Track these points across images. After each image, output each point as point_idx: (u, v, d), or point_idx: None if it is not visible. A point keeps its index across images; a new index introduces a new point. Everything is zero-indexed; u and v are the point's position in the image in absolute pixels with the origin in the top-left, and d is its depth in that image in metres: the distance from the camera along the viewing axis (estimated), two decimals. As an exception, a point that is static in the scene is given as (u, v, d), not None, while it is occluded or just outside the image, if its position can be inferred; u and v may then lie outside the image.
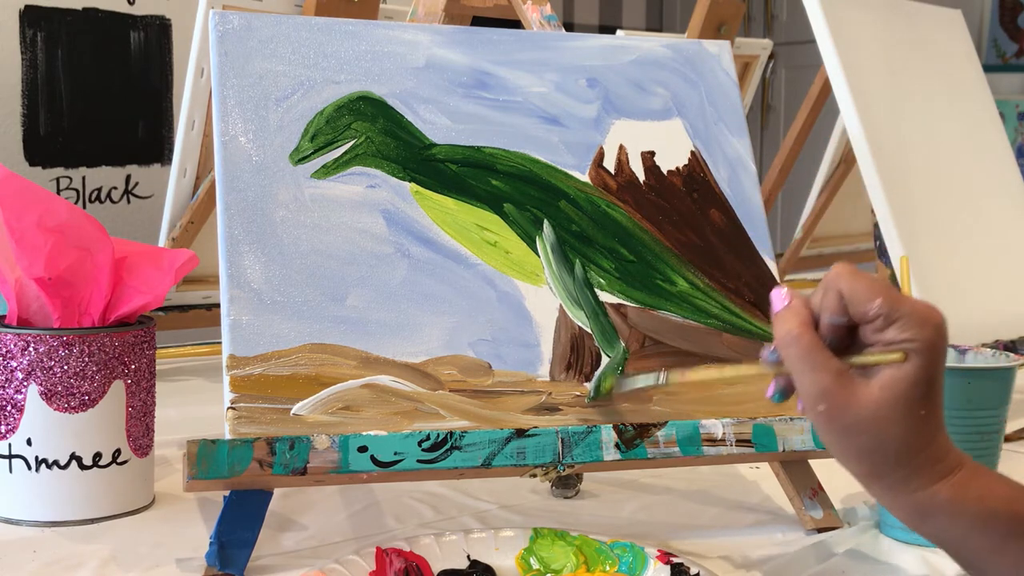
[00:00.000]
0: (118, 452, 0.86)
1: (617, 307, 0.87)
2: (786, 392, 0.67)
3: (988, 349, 0.90)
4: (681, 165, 0.93)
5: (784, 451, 0.84)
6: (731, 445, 0.82)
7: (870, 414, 0.63)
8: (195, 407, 1.19)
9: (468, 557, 0.76)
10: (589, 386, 0.79)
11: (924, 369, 0.63)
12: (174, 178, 1.23)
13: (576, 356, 0.84)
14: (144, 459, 0.88)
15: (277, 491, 0.84)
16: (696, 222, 0.91)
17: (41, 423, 0.83)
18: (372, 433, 0.75)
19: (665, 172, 0.92)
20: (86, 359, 0.84)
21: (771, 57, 1.95)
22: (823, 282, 0.65)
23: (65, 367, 0.83)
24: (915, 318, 0.64)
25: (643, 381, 0.80)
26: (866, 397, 0.63)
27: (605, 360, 0.83)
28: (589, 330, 0.85)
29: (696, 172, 0.93)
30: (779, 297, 0.66)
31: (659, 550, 0.76)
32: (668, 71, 0.95)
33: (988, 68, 2.10)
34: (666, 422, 0.81)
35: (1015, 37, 4.02)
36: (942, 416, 0.65)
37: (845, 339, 0.66)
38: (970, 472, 0.64)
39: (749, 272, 0.92)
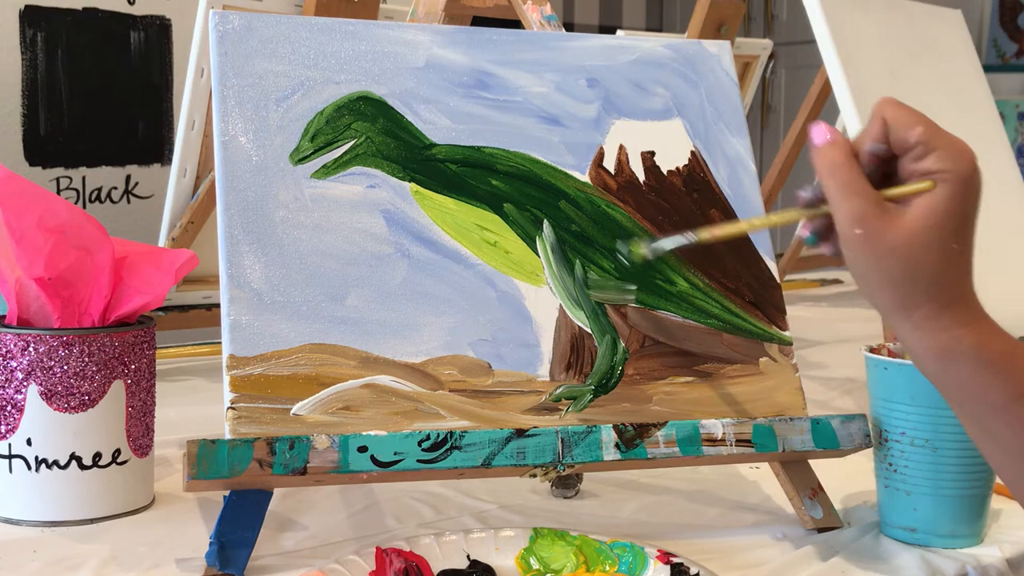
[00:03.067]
0: (118, 452, 0.86)
1: (617, 307, 0.87)
2: (820, 232, 0.69)
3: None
4: (681, 165, 0.93)
5: (784, 451, 0.84)
6: (731, 445, 0.82)
7: (905, 239, 0.64)
8: (195, 407, 1.19)
9: (468, 557, 0.76)
10: (621, 254, 0.77)
11: (958, 201, 0.65)
12: (174, 178, 1.23)
13: (576, 356, 0.84)
14: (144, 459, 0.88)
15: (277, 491, 0.84)
16: (696, 222, 0.91)
17: (41, 423, 0.83)
18: (372, 433, 0.75)
19: (665, 172, 0.92)
20: (86, 359, 0.84)
21: (771, 57, 1.95)
22: (872, 113, 0.67)
23: (65, 367, 0.83)
24: (952, 150, 0.66)
25: (671, 243, 0.76)
26: (902, 223, 0.64)
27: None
28: (589, 330, 0.85)
29: (696, 172, 0.93)
30: (819, 132, 0.68)
31: (659, 550, 0.76)
32: (668, 71, 0.95)
33: (988, 68, 2.10)
34: (666, 422, 0.81)
35: (1015, 37, 4.02)
36: (972, 261, 0.66)
37: (881, 175, 0.67)
38: (994, 326, 0.66)
39: (749, 272, 0.92)
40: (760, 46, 1.80)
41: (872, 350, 0.88)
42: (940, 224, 0.64)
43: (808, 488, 0.88)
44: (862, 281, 0.66)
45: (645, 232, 0.89)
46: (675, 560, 0.74)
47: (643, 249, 0.77)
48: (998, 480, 0.88)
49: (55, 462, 0.84)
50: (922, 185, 0.65)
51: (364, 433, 0.75)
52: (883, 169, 0.68)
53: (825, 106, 1.65)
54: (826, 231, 0.69)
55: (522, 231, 0.86)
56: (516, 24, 1.10)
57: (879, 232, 0.64)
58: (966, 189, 0.65)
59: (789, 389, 0.88)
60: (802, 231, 0.70)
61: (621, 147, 0.91)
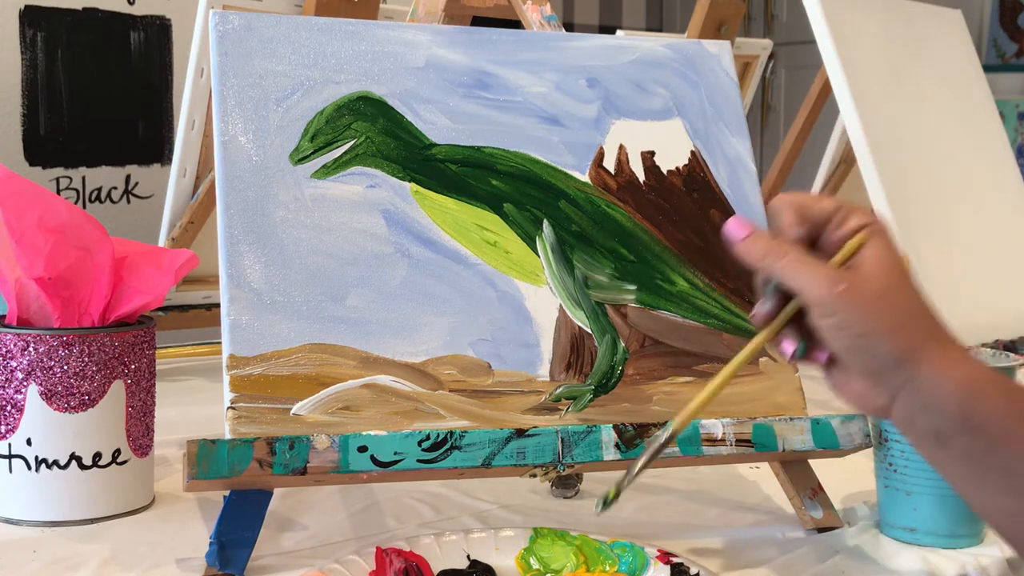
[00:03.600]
0: (118, 452, 0.86)
1: (617, 307, 0.87)
2: (803, 336, 0.66)
3: (988, 349, 0.90)
4: (681, 165, 0.93)
5: (784, 451, 0.84)
6: (731, 445, 0.82)
7: (884, 284, 0.63)
8: (195, 407, 1.19)
9: (468, 557, 0.76)
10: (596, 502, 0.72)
11: (892, 248, 0.65)
12: (174, 178, 1.23)
13: (576, 356, 0.84)
14: (144, 459, 0.88)
15: (277, 491, 0.84)
16: (696, 222, 0.91)
17: (41, 423, 0.83)
18: (372, 433, 0.75)
19: (665, 172, 0.92)
20: (86, 359, 0.84)
21: (771, 57, 1.95)
22: (771, 210, 0.67)
23: (65, 367, 0.83)
24: (863, 210, 0.67)
25: (645, 459, 0.69)
26: (872, 276, 0.64)
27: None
28: (589, 330, 0.85)
29: (696, 172, 0.93)
30: (736, 226, 0.67)
31: (659, 550, 0.76)
32: (668, 71, 0.95)
33: (988, 68, 2.10)
34: (666, 422, 0.81)
35: (1015, 37, 4.02)
36: None
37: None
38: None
39: (749, 272, 0.91)
40: (760, 46, 1.80)
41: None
42: (896, 266, 0.64)
43: (808, 488, 0.88)
44: (862, 337, 0.63)
45: (644, 232, 0.89)
46: (675, 560, 0.74)
47: (617, 489, 0.69)
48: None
49: (55, 462, 0.84)
50: (858, 238, 0.66)
51: (364, 433, 0.75)
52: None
53: (825, 106, 1.65)
54: (809, 333, 0.66)
55: (522, 231, 0.86)
56: (516, 24, 1.10)
57: (859, 283, 0.63)
58: (890, 239, 0.66)
59: (789, 389, 0.88)
60: (786, 347, 0.67)
61: (621, 147, 0.92)
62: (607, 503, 0.68)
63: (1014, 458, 0.60)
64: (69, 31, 1.40)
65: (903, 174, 1.17)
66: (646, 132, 0.93)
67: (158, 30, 1.49)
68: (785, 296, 0.67)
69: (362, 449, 0.74)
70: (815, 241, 0.67)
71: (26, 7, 1.37)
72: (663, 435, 0.69)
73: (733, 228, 0.67)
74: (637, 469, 0.68)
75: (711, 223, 0.92)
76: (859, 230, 0.66)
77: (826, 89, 1.62)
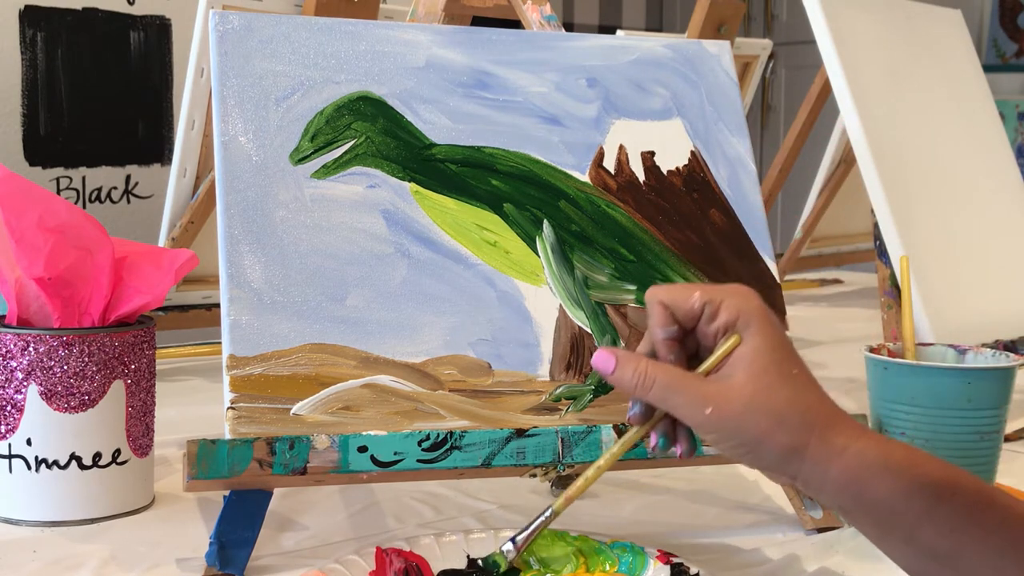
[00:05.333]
0: (118, 452, 0.86)
1: (617, 307, 0.87)
2: (668, 435, 0.69)
3: (988, 349, 0.90)
4: (681, 165, 0.93)
5: (784, 451, 0.84)
6: (731, 445, 0.82)
7: (752, 393, 0.64)
8: (195, 407, 1.19)
9: (468, 557, 0.76)
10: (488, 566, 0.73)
11: (768, 336, 0.65)
12: (174, 178, 1.23)
13: (576, 356, 0.84)
14: (144, 459, 0.88)
15: (277, 491, 0.84)
16: (696, 222, 0.91)
17: (41, 423, 0.83)
18: (372, 433, 0.75)
19: (665, 172, 0.92)
20: (86, 359, 0.84)
21: (771, 57, 1.95)
22: (647, 303, 0.68)
23: (65, 367, 0.83)
24: (736, 296, 0.66)
25: (530, 529, 0.73)
26: (739, 386, 0.64)
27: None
28: (589, 330, 0.85)
29: (696, 172, 0.93)
30: (603, 357, 0.68)
31: (659, 550, 0.76)
32: (668, 71, 0.95)
33: (988, 68, 2.10)
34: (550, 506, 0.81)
35: (1015, 37, 4.02)
36: (814, 378, 0.66)
37: (685, 356, 0.68)
38: (875, 432, 0.65)
39: (749, 272, 0.92)
40: (760, 46, 1.80)
41: (872, 350, 0.88)
42: (770, 362, 0.64)
43: (808, 488, 0.88)
44: (743, 452, 0.64)
45: (644, 232, 0.89)
46: (675, 560, 0.74)
47: (505, 555, 0.73)
48: (997, 481, 0.88)
49: (55, 462, 0.84)
50: (729, 342, 0.66)
51: (364, 433, 0.75)
52: (684, 351, 0.68)
53: (825, 106, 1.65)
54: (671, 432, 0.69)
55: (522, 231, 0.86)
56: (516, 24, 1.10)
57: (727, 401, 0.64)
58: (768, 322, 0.65)
59: (789, 389, 0.88)
60: (651, 444, 0.69)
61: (621, 147, 0.92)
62: (498, 566, 0.73)
63: (914, 528, 0.61)
64: (69, 31, 1.40)
65: (903, 174, 1.17)
66: (646, 132, 0.93)
67: (158, 30, 1.49)
68: None
69: (362, 449, 0.74)
70: (691, 332, 0.68)
71: (26, 7, 1.37)
72: (548, 512, 0.72)
73: (599, 362, 0.68)
74: (520, 542, 0.73)
75: (711, 223, 0.92)
76: (729, 327, 0.65)
77: (826, 89, 1.62)
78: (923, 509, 0.61)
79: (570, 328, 0.85)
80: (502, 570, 0.73)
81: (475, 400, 0.80)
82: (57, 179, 1.41)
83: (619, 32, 1.53)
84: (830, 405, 0.65)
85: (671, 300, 0.67)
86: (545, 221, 0.87)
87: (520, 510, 0.90)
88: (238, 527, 0.75)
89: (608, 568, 0.76)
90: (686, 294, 0.67)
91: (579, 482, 0.70)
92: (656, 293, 0.68)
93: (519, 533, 0.73)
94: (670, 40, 0.98)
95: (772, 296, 0.91)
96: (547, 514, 0.72)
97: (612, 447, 0.71)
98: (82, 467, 0.84)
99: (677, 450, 0.69)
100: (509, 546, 0.73)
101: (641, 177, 0.91)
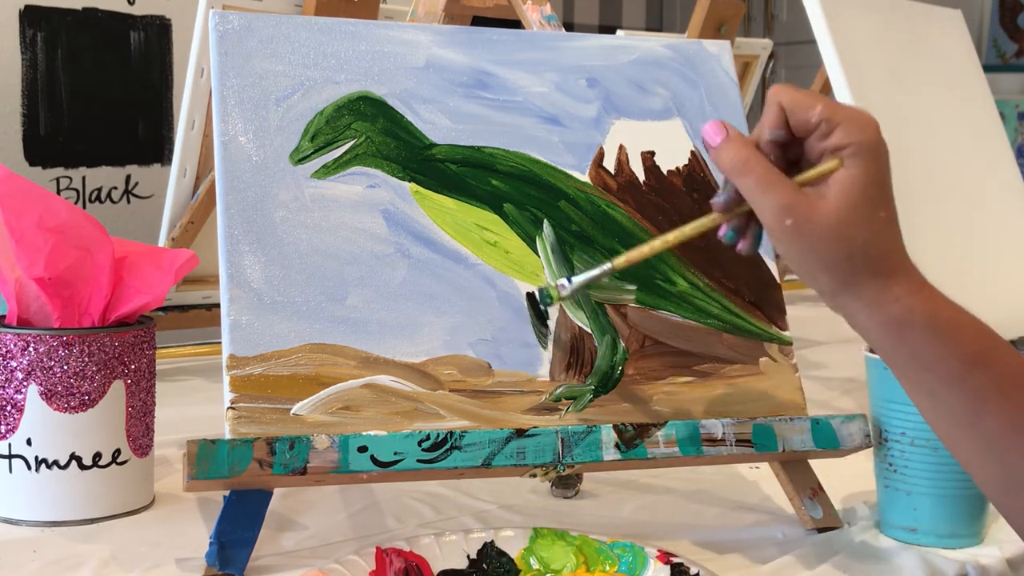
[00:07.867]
0: (118, 452, 0.86)
1: (617, 307, 0.87)
2: (739, 229, 0.69)
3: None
4: (681, 165, 0.93)
5: (784, 451, 0.84)
6: (731, 445, 0.82)
7: (835, 220, 0.64)
8: (195, 407, 1.19)
9: (468, 557, 0.76)
10: (537, 298, 0.75)
11: (871, 171, 0.65)
12: (174, 178, 1.23)
13: (576, 356, 0.84)
14: (144, 459, 0.88)
15: (277, 491, 0.84)
16: (696, 222, 0.91)
17: (41, 423, 0.83)
18: (372, 433, 0.75)
19: (665, 172, 0.92)
20: (86, 359, 0.84)
21: (771, 57, 1.95)
22: (767, 101, 0.67)
23: (65, 367, 0.83)
24: (856, 122, 0.66)
25: (585, 277, 0.74)
26: (827, 206, 0.64)
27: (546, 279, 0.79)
28: (589, 330, 0.85)
29: (696, 172, 0.93)
30: (714, 130, 0.67)
31: (659, 550, 0.76)
32: (668, 71, 0.95)
33: (988, 68, 2.10)
34: (666, 422, 0.81)
35: (1015, 37, 4.02)
36: (899, 227, 0.66)
37: (785, 161, 0.68)
38: (938, 292, 0.66)
39: (749, 272, 0.91)
40: (760, 46, 1.80)
41: (872, 350, 0.88)
42: (863, 196, 0.64)
43: (808, 488, 0.88)
44: (802, 268, 0.66)
45: (645, 232, 0.89)
46: (675, 560, 0.74)
47: (559, 290, 0.75)
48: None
49: (55, 462, 0.84)
50: (830, 164, 0.65)
51: (364, 433, 0.75)
52: (786, 156, 0.68)
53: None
54: (743, 227, 0.70)
55: (522, 231, 0.86)
56: (516, 24, 1.10)
57: (808, 218, 0.64)
58: (877, 157, 0.65)
59: (789, 389, 0.88)
60: (721, 232, 0.70)
61: (621, 147, 0.91)
62: (551, 300, 0.74)
63: (939, 387, 0.63)
64: (69, 31, 1.40)
65: (903, 174, 1.17)
66: (646, 132, 0.93)
67: (158, 30, 1.49)
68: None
69: (362, 449, 0.74)
70: (798, 141, 0.67)
71: (26, 7, 1.37)
72: (607, 265, 0.73)
73: (709, 132, 0.68)
74: (575, 284, 0.74)
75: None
76: (838, 149, 0.65)
77: (826, 89, 1.61)
78: (953, 372, 0.63)
79: (570, 328, 0.85)
80: (553, 302, 0.73)
81: (475, 400, 0.80)
82: (57, 179, 1.41)
83: (619, 32, 1.53)
84: (900, 256, 0.65)
85: (791, 105, 0.66)
86: (545, 221, 0.87)
87: (520, 510, 0.90)
88: (238, 527, 0.75)
89: (608, 568, 0.76)
90: (808, 103, 0.66)
91: (644, 248, 0.71)
92: (778, 93, 0.67)
93: (574, 275, 0.74)
94: (670, 40, 0.98)
95: (772, 296, 0.91)
96: (605, 267, 0.72)
97: (684, 227, 0.71)
98: (82, 467, 0.84)
99: (742, 245, 0.70)
100: (564, 282, 0.74)
101: (641, 177, 0.91)
